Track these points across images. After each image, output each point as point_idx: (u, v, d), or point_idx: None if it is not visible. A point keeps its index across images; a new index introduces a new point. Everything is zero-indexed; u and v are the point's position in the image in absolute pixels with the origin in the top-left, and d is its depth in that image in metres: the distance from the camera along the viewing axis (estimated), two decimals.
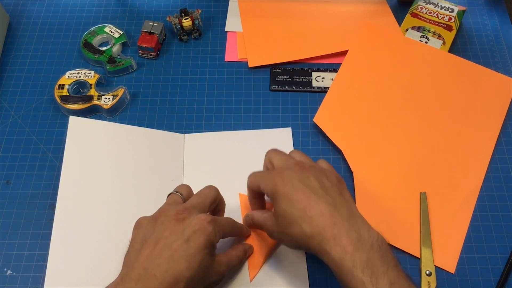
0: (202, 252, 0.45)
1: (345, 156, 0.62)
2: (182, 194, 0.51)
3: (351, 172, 0.61)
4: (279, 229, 0.48)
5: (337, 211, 0.45)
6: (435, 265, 0.55)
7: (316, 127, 0.65)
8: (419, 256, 0.55)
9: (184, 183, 0.59)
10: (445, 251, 0.56)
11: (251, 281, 0.53)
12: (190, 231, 0.45)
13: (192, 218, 0.47)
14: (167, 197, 0.52)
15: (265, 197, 0.54)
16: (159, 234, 0.46)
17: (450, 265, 0.55)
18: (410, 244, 0.56)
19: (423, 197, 0.58)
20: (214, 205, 0.51)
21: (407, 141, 0.63)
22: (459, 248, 0.56)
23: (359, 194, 0.59)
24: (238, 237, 0.55)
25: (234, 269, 0.53)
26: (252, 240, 0.55)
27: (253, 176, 0.52)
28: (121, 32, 0.72)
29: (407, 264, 0.55)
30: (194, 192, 0.52)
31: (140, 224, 0.48)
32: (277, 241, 0.53)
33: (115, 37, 0.71)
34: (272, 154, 0.52)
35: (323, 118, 0.65)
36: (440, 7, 0.75)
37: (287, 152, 0.54)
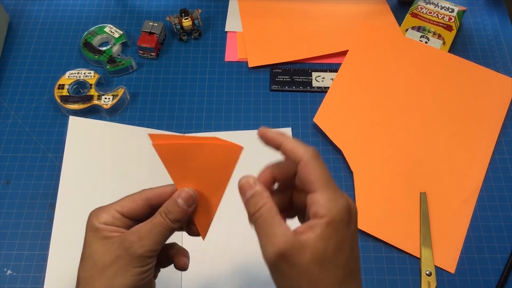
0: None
1: (345, 156, 0.62)
2: None
3: (351, 172, 0.61)
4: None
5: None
6: (435, 265, 0.55)
7: (316, 127, 0.65)
8: (419, 256, 0.55)
9: None
10: (445, 251, 0.56)
11: (203, 241, 0.41)
12: None
13: None
14: None
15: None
16: None
17: (450, 265, 0.55)
18: (410, 244, 0.56)
19: (423, 197, 0.58)
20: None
21: (407, 141, 0.63)
22: (459, 248, 0.56)
23: (359, 194, 0.59)
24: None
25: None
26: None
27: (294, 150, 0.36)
28: (121, 32, 0.72)
29: (407, 264, 0.55)
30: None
31: None
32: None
33: (115, 37, 0.71)
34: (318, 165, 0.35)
35: (323, 118, 0.65)
36: (440, 7, 0.75)
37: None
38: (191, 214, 0.38)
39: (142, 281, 0.36)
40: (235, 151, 0.40)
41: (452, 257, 0.56)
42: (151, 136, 0.38)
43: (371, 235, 0.57)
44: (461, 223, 0.58)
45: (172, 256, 0.41)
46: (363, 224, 0.57)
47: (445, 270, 0.55)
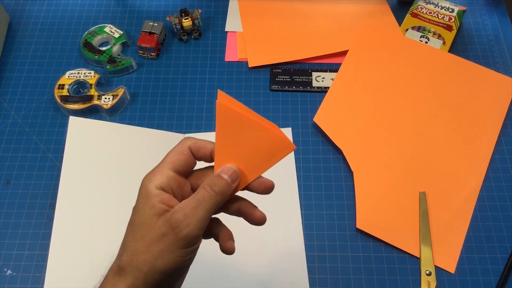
0: None
1: (345, 156, 0.62)
2: None
3: (351, 172, 0.61)
4: None
5: None
6: (435, 265, 0.55)
7: (316, 127, 0.65)
8: (419, 256, 0.55)
9: None
10: (445, 251, 0.56)
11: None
12: None
13: None
14: None
15: None
16: None
17: (450, 265, 0.55)
18: (410, 244, 0.56)
19: (422, 197, 0.58)
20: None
21: (407, 141, 0.63)
22: (459, 248, 0.56)
23: (359, 194, 0.59)
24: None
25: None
26: None
27: None
28: (121, 32, 0.72)
29: (407, 264, 0.55)
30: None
31: None
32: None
33: (115, 37, 0.71)
34: None
35: (323, 118, 0.65)
36: (440, 7, 0.75)
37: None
38: (234, 189, 0.38)
39: (184, 263, 0.36)
40: (287, 147, 0.40)
41: (452, 257, 0.56)
42: (220, 93, 0.38)
43: (371, 235, 0.57)
44: (461, 223, 0.58)
45: (216, 234, 0.40)
46: (363, 224, 0.57)
47: (445, 270, 0.55)
